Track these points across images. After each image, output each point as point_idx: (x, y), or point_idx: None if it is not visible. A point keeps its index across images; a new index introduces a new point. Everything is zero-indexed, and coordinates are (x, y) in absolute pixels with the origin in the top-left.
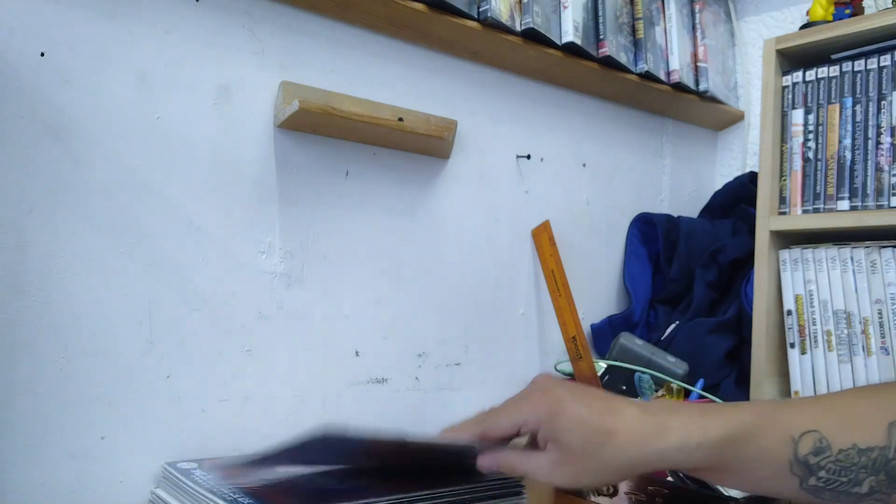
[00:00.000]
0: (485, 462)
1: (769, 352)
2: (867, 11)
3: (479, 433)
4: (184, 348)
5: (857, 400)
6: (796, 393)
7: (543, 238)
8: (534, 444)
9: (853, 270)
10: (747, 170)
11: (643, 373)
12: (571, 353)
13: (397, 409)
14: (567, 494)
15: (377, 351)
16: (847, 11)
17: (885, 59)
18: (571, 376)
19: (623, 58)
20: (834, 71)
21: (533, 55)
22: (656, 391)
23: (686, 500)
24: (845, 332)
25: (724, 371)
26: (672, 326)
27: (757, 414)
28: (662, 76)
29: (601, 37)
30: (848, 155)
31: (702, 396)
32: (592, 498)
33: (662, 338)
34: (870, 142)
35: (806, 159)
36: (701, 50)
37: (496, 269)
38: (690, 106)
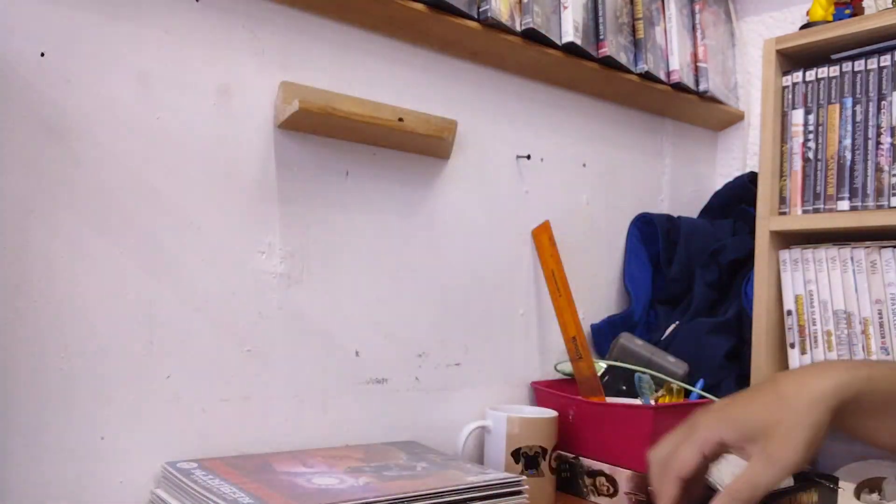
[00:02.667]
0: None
1: (769, 352)
2: (867, 11)
3: (675, 483)
4: (184, 348)
5: None
6: None
7: (543, 238)
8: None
9: (853, 270)
10: (747, 170)
11: (643, 373)
12: (571, 353)
13: (397, 409)
14: (566, 495)
15: (377, 351)
16: (847, 11)
17: (885, 59)
18: (571, 376)
19: (623, 58)
20: (834, 71)
21: (533, 55)
22: (656, 391)
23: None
24: (845, 332)
25: (724, 371)
26: (672, 327)
27: None
28: (662, 76)
29: (601, 37)
30: (848, 155)
31: (702, 396)
32: (592, 498)
33: (662, 338)
34: (870, 142)
35: (806, 159)
36: (701, 50)
37: (496, 269)
38: (690, 106)
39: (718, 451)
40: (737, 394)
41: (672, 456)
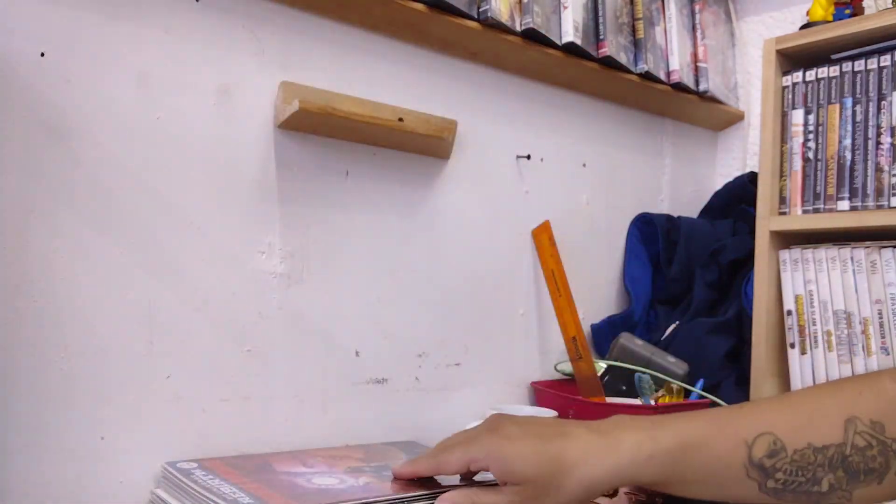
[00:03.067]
0: (445, 500)
1: (769, 352)
2: (867, 11)
3: (433, 467)
4: (184, 348)
5: (815, 397)
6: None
7: (543, 238)
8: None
9: (853, 270)
10: (747, 170)
11: (643, 373)
12: (571, 353)
13: (397, 409)
14: None
15: (377, 351)
16: (847, 11)
17: (885, 59)
18: (571, 376)
19: (623, 58)
20: (834, 71)
21: (533, 55)
22: (656, 391)
23: (686, 500)
24: (845, 332)
25: (724, 371)
26: (672, 327)
27: (709, 420)
28: (662, 76)
29: (601, 37)
30: (848, 155)
31: (702, 397)
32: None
33: (662, 338)
34: (870, 142)
35: (806, 159)
36: (701, 50)
37: (496, 269)
38: (690, 106)
39: (480, 469)
40: (543, 420)
41: (448, 450)
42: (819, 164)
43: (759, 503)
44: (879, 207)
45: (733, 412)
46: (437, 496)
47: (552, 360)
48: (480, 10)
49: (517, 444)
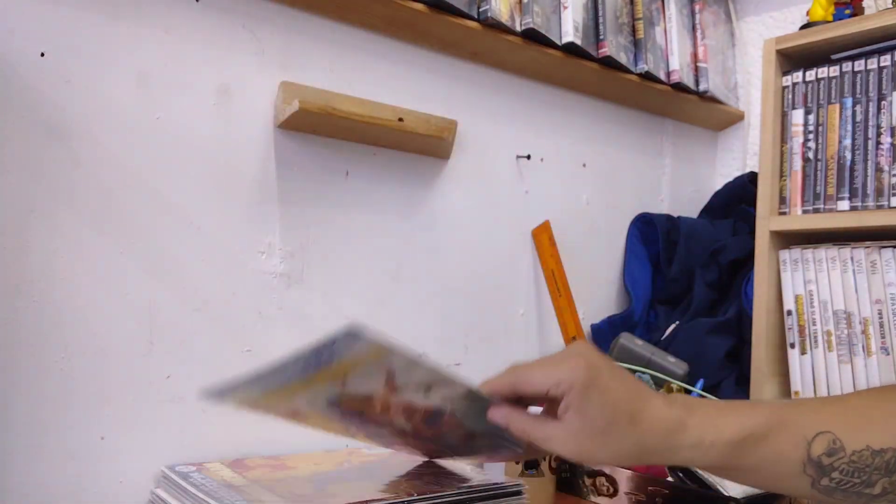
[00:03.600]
0: (496, 414)
1: (769, 352)
2: (867, 11)
3: (510, 382)
4: (184, 348)
5: (872, 401)
6: (796, 393)
7: (543, 238)
8: (549, 413)
9: (853, 270)
10: (747, 170)
11: (643, 373)
12: None
13: None
14: (567, 495)
15: None
16: (847, 11)
17: (885, 59)
18: None
19: (623, 58)
20: (834, 71)
21: (533, 55)
22: (656, 391)
23: (686, 500)
24: (845, 332)
25: (724, 371)
26: (672, 326)
27: (771, 414)
28: (662, 76)
29: (601, 37)
30: (848, 155)
31: (701, 397)
32: (592, 498)
33: (662, 338)
34: (870, 142)
35: (806, 159)
36: (701, 50)
37: (496, 269)
38: (690, 106)
39: (558, 395)
40: (625, 373)
41: (528, 370)
42: (819, 164)
43: (806, 498)
44: (879, 207)
45: (795, 408)
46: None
47: None
48: (480, 10)
49: (602, 384)
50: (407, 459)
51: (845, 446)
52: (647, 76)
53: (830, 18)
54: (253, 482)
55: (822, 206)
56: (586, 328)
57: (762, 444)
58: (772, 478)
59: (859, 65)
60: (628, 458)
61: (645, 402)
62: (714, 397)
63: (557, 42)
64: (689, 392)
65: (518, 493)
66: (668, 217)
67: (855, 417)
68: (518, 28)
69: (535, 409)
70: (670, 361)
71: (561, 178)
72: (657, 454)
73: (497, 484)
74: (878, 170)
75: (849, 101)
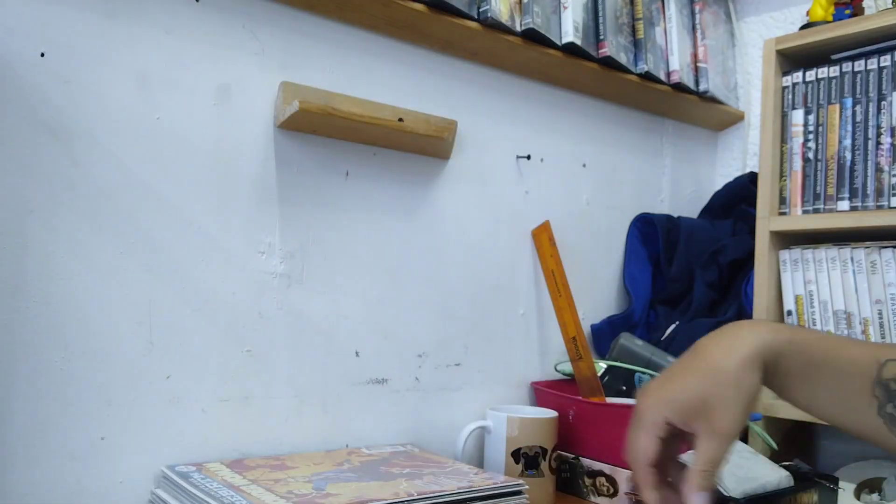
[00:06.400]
0: (699, 501)
1: None
2: (867, 12)
3: (645, 469)
4: (184, 348)
5: None
6: None
7: (543, 238)
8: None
9: (853, 271)
10: (747, 170)
11: (643, 373)
12: (571, 353)
13: (397, 410)
14: (566, 495)
15: (377, 351)
16: (847, 12)
17: (885, 60)
18: (571, 377)
19: (623, 58)
20: (834, 71)
21: (533, 55)
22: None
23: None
24: (845, 332)
25: None
26: (672, 327)
27: (846, 338)
28: (662, 76)
29: (601, 37)
30: (848, 155)
31: None
32: (592, 498)
33: (662, 338)
34: (870, 142)
35: (806, 160)
36: (701, 50)
37: (496, 269)
38: (690, 106)
39: (672, 430)
40: (672, 367)
41: (633, 448)
42: (819, 164)
43: (867, 427)
44: (879, 207)
45: (866, 341)
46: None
47: (552, 360)
48: (480, 10)
49: (670, 384)
50: (407, 460)
51: None
52: (647, 76)
53: (830, 19)
54: (253, 482)
55: (822, 206)
56: (586, 328)
57: (838, 351)
58: (839, 393)
59: (859, 65)
60: (742, 364)
61: (695, 346)
62: None
63: (557, 42)
64: None
65: (518, 492)
66: (668, 217)
67: None
68: (518, 28)
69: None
70: (670, 362)
71: (561, 178)
72: (749, 347)
73: (497, 484)
74: (878, 170)
75: (849, 102)
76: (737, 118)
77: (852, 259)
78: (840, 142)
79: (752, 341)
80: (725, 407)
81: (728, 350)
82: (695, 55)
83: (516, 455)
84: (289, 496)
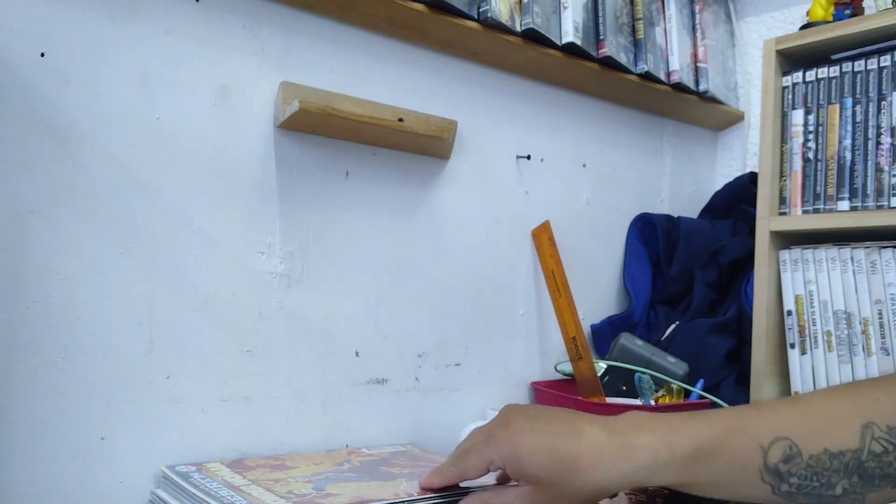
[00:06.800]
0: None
1: (769, 352)
2: (867, 12)
3: (455, 476)
4: (184, 348)
5: (830, 400)
6: (796, 393)
7: (543, 238)
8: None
9: (853, 271)
10: (747, 170)
11: (643, 373)
12: (571, 353)
13: (397, 410)
14: None
15: (377, 351)
16: (847, 12)
17: (885, 60)
18: (571, 377)
19: (623, 58)
20: (834, 71)
21: (533, 55)
22: (656, 391)
23: (686, 500)
24: (845, 332)
25: (725, 371)
26: (672, 327)
27: (725, 425)
28: (662, 76)
29: (601, 37)
30: (848, 155)
31: (702, 397)
32: None
33: (662, 338)
34: (870, 142)
35: (806, 160)
36: (701, 50)
37: (496, 269)
38: (690, 106)
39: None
40: (556, 415)
41: (467, 455)
42: (819, 164)
43: (770, 503)
44: (879, 207)
45: (749, 414)
46: (433, 499)
47: (552, 360)
48: (480, 10)
49: (529, 442)
50: (407, 460)
51: (802, 451)
52: (647, 76)
53: (830, 19)
54: (253, 482)
55: (822, 206)
56: (586, 328)
57: (717, 456)
58: (732, 489)
59: (859, 65)
60: (588, 497)
61: (581, 440)
62: (715, 398)
63: (557, 42)
64: (688, 393)
65: None
66: (668, 217)
67: (813, 419)
68: (518, 28)
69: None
70: (670, 361)
71: (561, 178)
72: (613, 483)
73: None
74: (878, 170)
75: (849, 102)
76: (737, 118)
77: (852, 259)
78: (840, 142)
79: (615, 471)
80: (563, 498)
81: (593, 471)
82: (695, 55)
83: None
84: (289, 496)
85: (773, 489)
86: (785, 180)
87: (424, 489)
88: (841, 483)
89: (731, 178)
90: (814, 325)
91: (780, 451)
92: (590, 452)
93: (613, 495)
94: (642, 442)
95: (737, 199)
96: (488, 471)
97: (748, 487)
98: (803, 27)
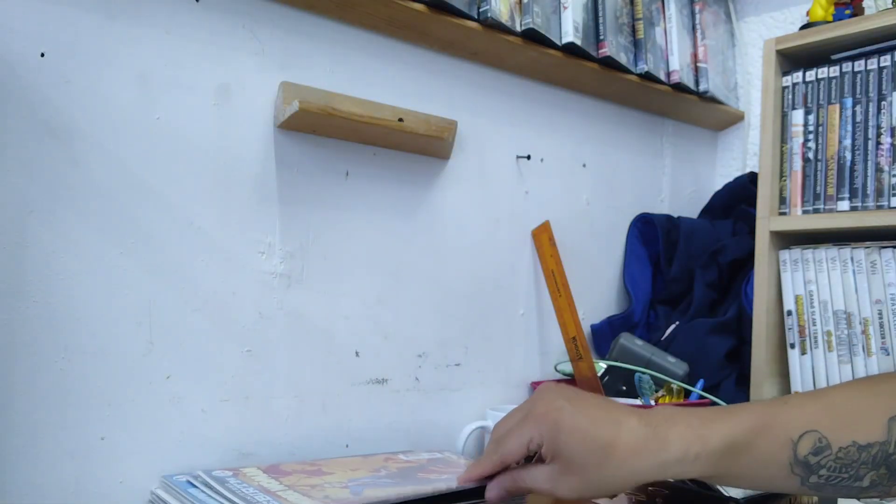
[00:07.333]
0: (492, 492)
1: (769, 352)
2: (867, 12)
3: (497, 464)
4: (184, 348)
5: (855, 394)
6: (796, 393)
7: (543, 238)
8: (539, 458)
9: (853, 271)
10: (747, 170)
11: (643, 373)
12: (571, 353)
13: (397, 410)
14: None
15: (377, 351)
16: (847, 12)
17: (885, 60)
18: (571, 377)
19: (623, 58)
20: (834, 71)
21: (533, 56)
22: (656, 391)
23: (686, 500)
24: (845, 332)
25: (725, 371)
26: (672, 327)
27: (755, 418)
28: (662, 76)
29: (601, 37)
30: (848, 155)
31: (702, 397)
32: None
33: (662, 338)
34: (870, 142)
35: (806, 160)
36: (701, 50)
37: (496, 269)
38: (690, 106)
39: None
40: (596, 401)
41: (505, 440)
42: (819, 164)
43: (797, 494)
44: (879, 207)
45: (777, 408)
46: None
47: (552, 360)
48: (480, 10)
49: (569, 422)
50: (444, 465)
51: (831, 444)
52: (647, 76)
53: (830, 19)
54: (289, 487)
55: (822, 206)
56: (586, 328)
57: (748, 450)
58: (762, 480)
59: (859, 65)
60: (619, 486)
61: (619, 428)
62: (715, 398)
63: (557, 42)
64: (688, 393)
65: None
66: (668, 217)
67: (840, 413)
68: (518, 28)
69: None
70: (670, 361)
71: (561, 178)
72: (645, 474)
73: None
74: (878, 170)
75: (849, 102)
76: (737, 118)
77: (852, 259)
78: (840, 142)
79: (651, 461)
80: (584, 491)
81: (630, 458)
82: (695, 55)
83: None
84: (326, 501)
85: (802, 481)
86: (785, 180)
87: (464, 483)
88: (869, 475)
89: (731, 178)
90: (814, 325)
91: (810, 443)
92: (626, 442)
93: (613, 496)
94: (676, 435)
95: (737, 199)
96: (528, 451)
97: (777, 479)
98: (803, 27)
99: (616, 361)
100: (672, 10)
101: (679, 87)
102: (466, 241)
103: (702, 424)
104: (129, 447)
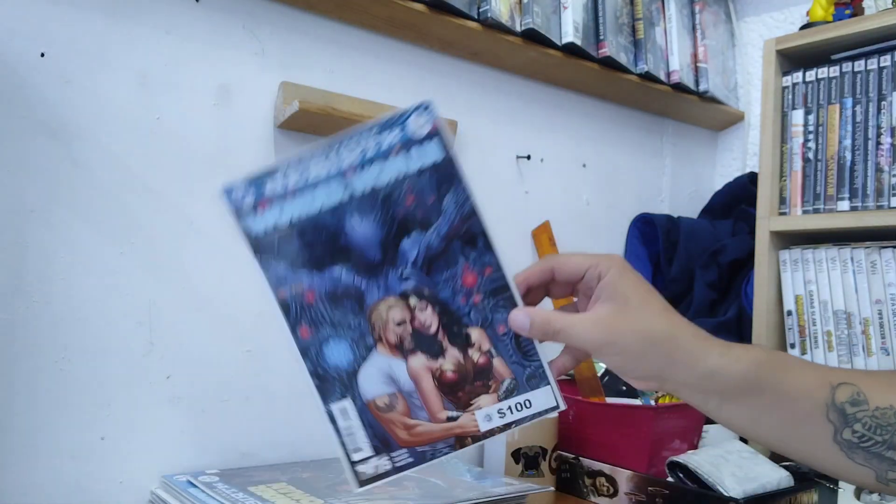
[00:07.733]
0: (517, 315)
1: None
2: (867, 12)
3: (547, 266)
4: (184, 348)
5: (890, 371)
6: None
7: (543, 238)
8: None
9: (853, 271)
10: (747, 170)
11: None
12: None
13: None
14: (566, 495)
15: None
16: (847, 12)
17: (885, 60)
18: (571, 377)
19: (623, 58)
20: (834, 71)
21: (533, 56)
22: (656, 391)
23: (686, 500)
24: (845, 332)
25: None
26: None
27: (797, 358)
28: (662, 76)
29: (601, 37)
30: (848, 155)
31: None
32: (592, 498)
33: None
34: (870, 142)
35: (806, 160)
36: (701, 50)
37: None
38: (690, 106)
39: (597, 276)
40: (653, 294)
41: (566, 256)
42: (819, 164)
43: (821, 454)
44: (879, 207)
45: (813, 363)
46: None
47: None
48: (480, 10)
49: (634, 275)
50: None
51: (869, 400)
52: (647, 76)
53: (830, 19)
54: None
55: (822, 206)
56: None
57: (790, 372)
58: (792, 418)
59: (859, 65)
60: (667, 350)
61: (677, 318)
62: None
63: (557, 42)
64: None
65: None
66: (668, 217)
67: (880, 380)
68: (518, 28)
69: None
70: None
71: (561, 178)
72: (690, 349)
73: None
74: (878, 170)
75: (849, 102)
76: (737, 118)
77: (852, 259)
78: (840, 142)
79: (695, 357)
80: (629, 334)
81: (692, 334)
82: (695, 55)
83: (516, 455)
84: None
85: (835, 432)
86: (785, 180)
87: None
88: None
89: (731, 178)
90: (814, 324)
91: (848, 392)
92: (682, 331)
93: (613, 494)
94: (718, 342)
95: (737, 199)
96: (582, 276)
97: (809, 422)
98: (803, 27)
99: None
100: (672, 10)
101: (679, 87)
102: None
103: (743, 346)
104: (129, 447)
